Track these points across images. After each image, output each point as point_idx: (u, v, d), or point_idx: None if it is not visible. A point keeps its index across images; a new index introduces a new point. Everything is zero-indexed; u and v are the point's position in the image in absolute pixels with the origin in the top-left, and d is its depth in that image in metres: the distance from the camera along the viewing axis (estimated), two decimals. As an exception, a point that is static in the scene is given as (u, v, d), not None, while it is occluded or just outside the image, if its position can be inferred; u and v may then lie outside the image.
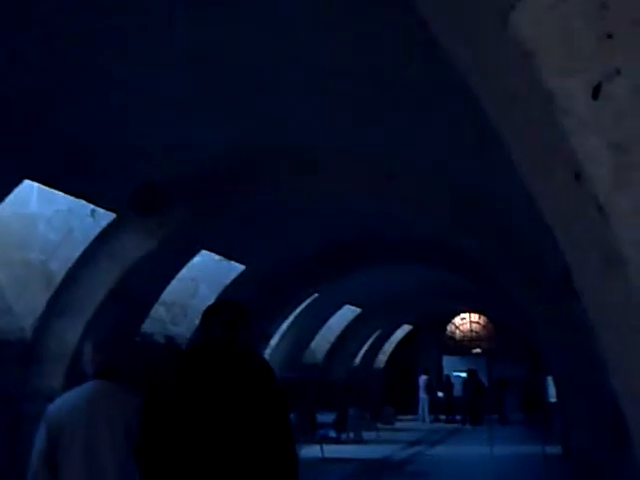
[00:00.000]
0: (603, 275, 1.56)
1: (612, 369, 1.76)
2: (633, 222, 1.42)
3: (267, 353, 21.79)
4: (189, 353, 5.32)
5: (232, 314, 4.91)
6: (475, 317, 40.16)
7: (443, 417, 35.81)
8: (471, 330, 40.60)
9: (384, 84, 8.38)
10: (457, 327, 40.81)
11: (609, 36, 1.46)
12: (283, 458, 4.41)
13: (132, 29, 7.23)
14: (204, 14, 6.91)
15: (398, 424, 32.32)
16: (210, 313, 4.94)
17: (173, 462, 4.37)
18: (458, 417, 35.05)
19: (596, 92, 1.46)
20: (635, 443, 1.75)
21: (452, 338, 40.83)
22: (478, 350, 40.15)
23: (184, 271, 14.99)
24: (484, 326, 40.21)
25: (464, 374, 37.01)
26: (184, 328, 16.97)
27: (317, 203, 13.85)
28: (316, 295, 22.22)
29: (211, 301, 16.97)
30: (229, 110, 9.43)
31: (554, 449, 19.36)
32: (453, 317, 40.28)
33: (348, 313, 27.88)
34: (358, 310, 28.15)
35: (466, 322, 40.55)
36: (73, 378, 12.39)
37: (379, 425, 29.24)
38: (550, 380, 22.43)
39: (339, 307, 26.34)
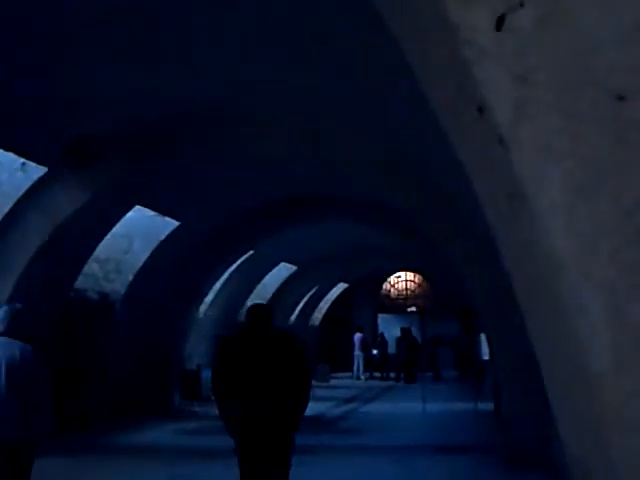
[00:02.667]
0: (509, 212, 1.53)
1: (525, 312, 1.74)
2: (534, 155, 1.39)
3: (201, 311, 21.73)
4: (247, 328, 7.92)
5: (264, 311, 8.00)
6: (410, 276, 40.40)
7: (378, 375, 36.07)
8: (406, 288, 40.87)
9: (320, 44, 8.31)
10: (392, 285, 41.04)
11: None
12: (306, 383, 7.68)
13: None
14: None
15: (333, 381, 32.47)
16: (250, 311, 7.95)
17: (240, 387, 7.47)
18: (392, 375, 35.32)
19: (499, 23, 1.42)
20: (547, 391, 1.74)
21: (387, 296, 41.07)
22: (413, 308, 40.45)
23: (118, 227, 14.83)
24: (419, 284, 40.49)
25: (398, 333, 37.31)
26: (118, 284, 16.84)
27: (253, 159, 13.77)
28: (251, 252, 22.16)
29: (145, 257, 16.86)
30: (164, 63, 9.30)
31: (486, 406, 19.60)
32: (389, 276, 40.48)
33: (284, 271, 27.88)
34: (294, 268, 28.16)
35: (401, 280, 40.80)
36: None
37: (314, 382, 29.38)
38: (483, 338, 22.67)
39: (275, 264, 26.32)
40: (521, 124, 1.40)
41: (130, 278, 17.03)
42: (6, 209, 11.96)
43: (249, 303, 26.71)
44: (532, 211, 1.40)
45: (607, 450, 1.38)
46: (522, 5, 1.41)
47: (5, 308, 7.18)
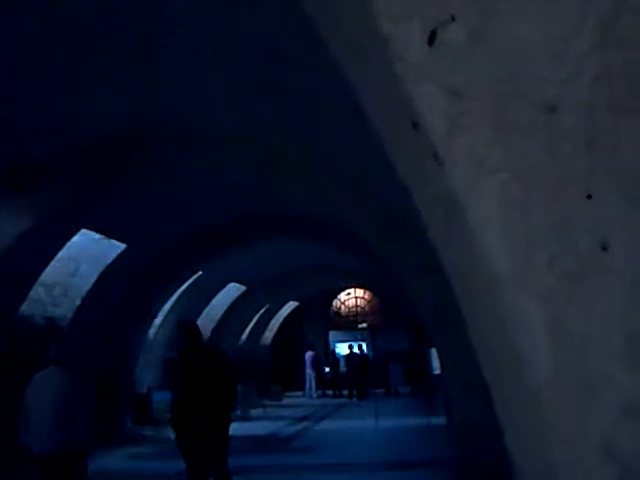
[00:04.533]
0: (447, 226, 1.54)
1: (468, 326, 1.75)
2: (468, 169, 1.39)
3: (151, 333, 21.58)
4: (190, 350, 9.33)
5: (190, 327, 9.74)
6: (360, 292, 40.47)
7: (330, 392, 36.03)
8: (356, 305, 40.93)
9: (272, 63, 8.31)
10: (342, 302, 41.08)
11: (444, -18, 1.43)
12: (232, 395, 9.28)
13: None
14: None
15: (285, 400, 32.39)
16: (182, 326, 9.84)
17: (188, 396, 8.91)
18: (345, 392, 35.30)
19: (431, 38, 1.43)
20: (494, 404, 1.75)
21: (338, 314, 41.09)
22: (364, 325, 40.51)
23: (64, 251, 14.68)
24: (369, 301, 40.57)
25: (350, 350, 37.37)
26: (65, 309, 16.65)
27: (201, 180, 13.72)
28: (200, 273, 22.06)
29: (92, 280, 16.70)
30: (109, 85, 9.23)
31: (438, 419, 19.67)
32: (338, 293, 40.51)
33: (233, 291, 27.78)
34: (243, 288, 28.08)
35: (351, 297, 40.85)
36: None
37: (267, 402, 29.27)
38: (434, 352, 22.76)
39: (224, 285, 26.23)
40: (455, 138, 1.40)
41: (78, 302, 16.85)
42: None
43: (198, 324, 26.64)
44: (468, 225, 1.41)
45: (549, 461, 1.38)
46: (453, 19, 1.42)
47: (56, 339, 8.94)
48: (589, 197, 1.35)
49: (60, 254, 14.60)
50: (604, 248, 1.33)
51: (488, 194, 1.38)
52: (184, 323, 10.37)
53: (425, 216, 1.79)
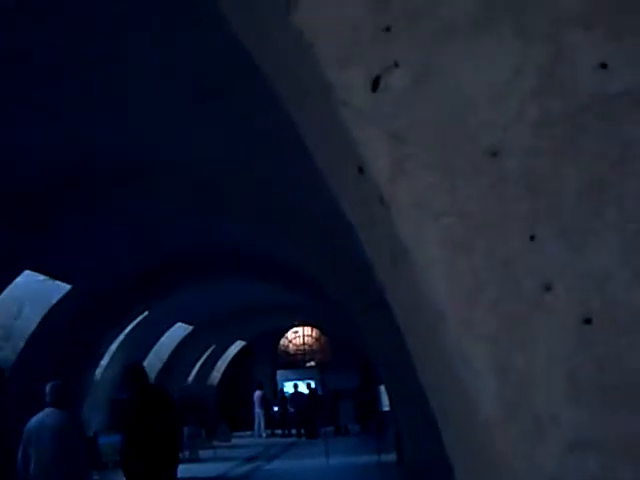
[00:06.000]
0: (393, 269, 1.56)
1: (416, 365, 1.77)
2: (413, 213, 1.42)
3: (97, 373, 21.35)
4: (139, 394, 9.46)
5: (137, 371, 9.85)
6: (308, 330, 40.45)
7: (279, 432, 35.86)
8: (304, 343, 40.88)
9: (210, 98, 8.35)
10: (290, 341, 41.02)
11: (387, 29, 1.47)
12: (178, 439, 9.71)
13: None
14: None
15: (234, 440, 32.20)
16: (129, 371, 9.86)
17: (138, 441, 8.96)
18: (294, 431, 35.16)
19: (375, 84, 1.46)
20: (443, 441, 1.76)
21: (286, 352, 41.00)
22: (312, 363, 40.46)
23: (7, 292, 14.52)
24: (317, 339, 40.56)
25: (298, 389, 37.29)
26: (9, 351, 16.42)
27: (144, 219, 13.68)
28: (146, 313, 21.91)
29: (36, 322, 16.50)
30: (49, 122, 9.19)
31: (389, 457, 19.66)
32: (286, 331, 40.46)
33: (180, 331, 27.63)
34: (190, 327, 27.94)
35: (299, 336, 40.81)
36: None
37: (215, 442, 29.05)
38: (383, 389, 22.77)
39: (170, 325, 26.08)
40: (399, 182, 1.43)
41: (21, 344, 16.63)
42: None
43: (145, 365, 26.42)
44: (414, 267, 1.43)
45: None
46: (397, 65, 1.45)
47: (51, 384, 9.52)
48: (532, 239, 1.38)
49: (3, 295, 14.43)
50: (547, 289, 1.36)
51: (433, 237, 1.41)
52: (129, 368, 10.40)
53: (371, 257, 1.81)
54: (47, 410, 9.37)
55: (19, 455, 9.24)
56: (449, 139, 1.44)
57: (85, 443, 9.57)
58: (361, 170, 1.49)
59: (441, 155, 1.43)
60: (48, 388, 9.52)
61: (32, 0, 6.56)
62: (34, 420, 9.34)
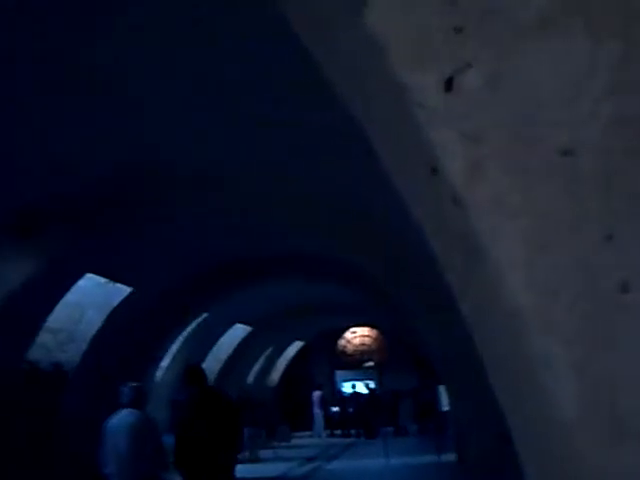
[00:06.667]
0: (467, 269, 1.56)
1: (487, 366, 1.76)
2: (489, 213, 1.42)
3: (158, 375, 21.52)
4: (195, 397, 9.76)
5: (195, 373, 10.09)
6: (365, 330, 40.37)
7: (338, 432, 35.85)
8: (362, 344, 40.82)
9: (268, 101, 8.36)
10: (348, 341, 40.97)
11: (459, 29, 1.47)
12: (236, 442, 9.72)
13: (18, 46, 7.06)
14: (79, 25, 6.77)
15: (294, 441, 32.26)
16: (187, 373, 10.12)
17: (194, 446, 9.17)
18: (353, 431, 35.12)
19: (448, 85, 1.46)
20: (515, 443, 1.76)
21: (344, 352, 40.97)
22: (370, 363, 40.38)
23: (69, 296, 14.69)
24: (375, 339, 40.46)
25: (357, 389, 37.28)
26: (72, 353, 16.62)
27: (204, 220, 13.75)
28: (206, 315, 22.04)
29: (98, 324, 16.69)
30: (110, 125, 9.27)
31: (448, 457, 19.57)
32: (344, 331, 40.42)
33: (239, 332, 27.73)
34: (249, 328, 28.03)
35: (357, 336, 40.75)
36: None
37: (275, 443, 29.14)
38: (442, 389, 22.67)
39: (229, 326, 26.19)
40: (474, 183, 1.43)
41: (84, 347, 16.82)
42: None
43: (204, 367, 26.58)
44: (489, 268, 1.43)
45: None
46: (469, 66, 1.45)
47: (129, 386, 10.08)
48: (609, 238, 1.37)
49: (65, 299, 14.60)
50: (625, 289, 1.36)
51: (509, 236, 1.41)
52: (188, 369, 10.64)
53: (441, 257, 1.81)
54: (124, 410, 9.81)
55: (99, 452, 9.78)
56: (523, 139, 1.43)
57: (157, 442, 9.91)
58: (435, 171, 1.49)
59: (515, 155, 1.43)
60: (126, 390, 10.00)
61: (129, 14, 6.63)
62: (112, 420, 9.80)
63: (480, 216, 1.43)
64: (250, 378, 32.48)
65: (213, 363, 26.36)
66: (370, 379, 39.34)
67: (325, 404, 35.85)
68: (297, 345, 37.86)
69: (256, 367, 32.95)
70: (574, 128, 1.43)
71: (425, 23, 1.47)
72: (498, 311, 1.47)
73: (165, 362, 21.98)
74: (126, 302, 16.83)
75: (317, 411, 35.44)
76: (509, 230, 1.41)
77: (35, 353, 15.00)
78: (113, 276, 15.98)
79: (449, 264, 1.76)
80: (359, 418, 34.81)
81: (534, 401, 1.45)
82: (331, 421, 36.33)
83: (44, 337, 15.24)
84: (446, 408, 22.48)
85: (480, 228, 1.43)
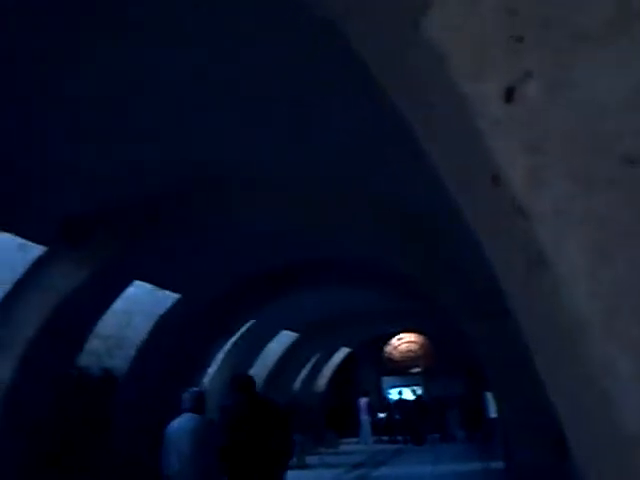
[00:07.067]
0: (528, 278, 1.55)
1: (546, 377, 1.75)
2: (550, 222, 1.42)
3: (205, 382, 21.61)
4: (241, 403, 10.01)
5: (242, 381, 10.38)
6: (412, 337, 40.27)
7: (385, 438, 35.79)
8: (409, 350, 40.71)
9: (323, 105, 8.36)
10: (395, 348, 40.89)
11: (519, 38, 1.46)
12: (289, 449, 10.02)
13: (51, 54, 7.13)
14: (112, 34, 6.82)
15: (341, 447, 32.24)
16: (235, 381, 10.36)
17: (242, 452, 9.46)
18: (400, 438, 35.04)
19: (509, 95, 1.46)
20: (575, 456, 1.74)
21: (390, 359, 40.89)
22: (416, 369, 40.27)
23: (118, 302, 14.82)
24: (421, 345, 40.34)
25: (404, 395, 37.20)
26: (121, 360, 16.76)
27: (252, 227, 13.80)
28: (253, 321, 22.11)
29: (146, 331, 16.81)
30: (158, 133, 9.33)
31: (496, 464, 19.44)
32: (390, 338, 40.36)
33: (286, 338, 27.79)
34: (295, 335, 28.08)
35: (403, 342, 40.66)
36: (8, 416, 12.17)
37: (322, 449, 29.14)
38: (489, 396, 22.55)
39: (276, 332, 26.25)
40: (536, 192, 1.43)
41: (132, 353, 16.95)
42: (7, 289, 11.97)
43: (252, 373, 26.66)
44: (552, 276, 1.42)
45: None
46: (530, 75, 1.45)
47: (190, 391, 10.64)
48: (674, 247, 1.36)
49: (114, 306, 14.73)
50: (692, 299, 1.34)
51: (573, 246, 1.40)
52: (235, 378, 10.96)
53: (499, 266, 1.80)
54: (186, 415, 10.23)
55: (161, 455, 10.23)
56: (585, 147, 1.43)
57: (216, 446, 10.25)
58: (496, 180, 1.48)
59: (578, 164, 1.42)
60: (187, 395, 10.43)
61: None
62: (174, 424, 10.25)
63: (542, 225, 1.42)
64: (297, 384, 32.52)
65: (260, 369, 26.44)
66: (416, 385, 39.25)
67: (372, 410, 35.81)
68: (344, 351, 37.86)
69: (303, 374, 32.98)
70: (637, 136, 1.41)
71: (484, 32, 1.47)
72: (559, 321, 1.46)
73: (213, 369, 22.08)
74: (174, 309, 16.95)
75: (364, 417, 35.40)
76: (571, 239, 1.40)
77: (85, 359, 15.14)
78: (161, 283, 16.09)
79: (507, 272, 1.75)
80: (406, 425, 34.72)
81: (596, 413, 1.44)
82: (378, 427, 36.27)
83: (94, 344, 15.38)
84: (493, 415, 22.35)
85: (542, 237, 1.42)
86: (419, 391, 38.63)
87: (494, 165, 1.47)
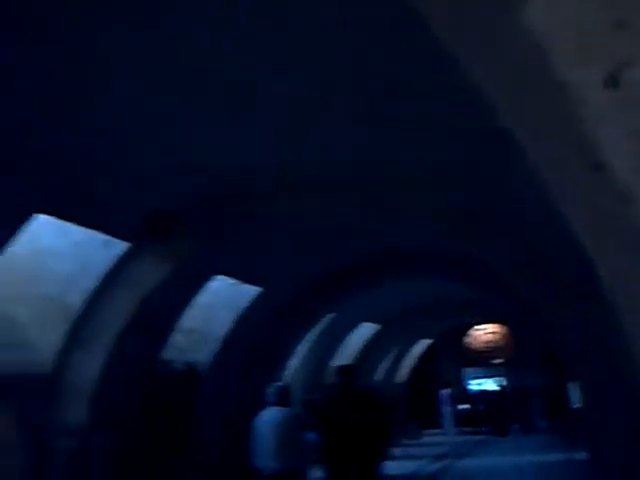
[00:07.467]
0: (630, 266, 1.54)
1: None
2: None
3: (287, 375, 21.73)
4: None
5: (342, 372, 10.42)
6: (493, 327, 39.96)
7: (468, 429, 35.60)
8: (489, 340, 40.42)
9: (403, 98, 8.32)
10: (475, 338, 40.64)
11: (622, 24, 1.44)
12: (382, 439, 9.87)
13: (137, 48, 7.22)
14: (203, 26, 6.87)
15: (423, 438, 32.17)
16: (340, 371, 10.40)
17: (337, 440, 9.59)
18: (483, 429, 34.83)
19: (611, 81, 1.44)
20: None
21: (471, 349, 40.65)
22: (498, 360, 39.96)
23: (200, 297, 14.96)
24: (502, 335, 40.00)
25: (485, 386, 36.96)
26: (204, 354, 16.93)
27: (332, 220, 13.80)
28: (333, 314, 22.15)
29: (229, 325, 16.96)
30: (237, 128, 9.38)
31: (579, 455, 19.22)
32: (471, 328, 40.11)
33: (366, 330, 27.79)
34: (376, 327, 28.06)
35: (484, 332, 40.37)
36: (96, 410, 12.38)
37: (404, 440, 29.09)
38: (572, 386, 22.29)
39: (357, 324, 26.27)
40: (640, 179, 1.41)
41: (215, 347, 17.10)
42: (93, 286, 12.15)
43: (332, 365, 26.72)
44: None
45: None
46: (633, 61, 1.43)
47: (275, 386, 11.08)
48: None
49: (197, 300, 14.87)
50: None
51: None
52: (340, 368, 11.02)
53: (597, 252, 1.79)
54: (272, 408, 10.64)
55: (250, 447, 10.70)
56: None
57: (301, 437, 10.78)
58: (598, 167, 1.47)
59: (682, 151, 1.41)
60: (272, 389, 10.88)
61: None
62: (262, 416, 10.69)
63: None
64: (378, 376, 32.50)
65: (341, 361, 26.50)
66: (498, 376, 38.97)
67: (454, 402, 35.67)
68: (424, 342, 37.74)
69: (384, 365, 32.95)
70: None
71: (587, 19, 1.45)
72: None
73: (294, 362, 22.18)
74: (255, 302, 17.06)
75: (446, 409, 35.28)
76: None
77: (169, 353, 15.32)
78: (243, 277, 16.21)
79: (607, 260, 1.74)
80: (488, 416, 34.50)
81: None
82: (460, 419, 36.10)
83: (177, 338, 15.56)
84: (577, 405, 22.07)
85: (647, 224, 1.41)
86: (501, 382, 38.34)
87: (597, 152, 1.46)
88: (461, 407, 36.78)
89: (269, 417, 10.62)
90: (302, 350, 22.60)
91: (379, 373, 32.36)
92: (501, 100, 1.96)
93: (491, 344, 40.41)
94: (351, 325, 25.58)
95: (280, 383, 11.79)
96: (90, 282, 12.18)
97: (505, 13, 1.55)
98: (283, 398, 10.80)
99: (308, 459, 11.18)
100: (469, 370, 40.49)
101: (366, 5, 6.23)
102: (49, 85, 7.61)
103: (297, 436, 10.66)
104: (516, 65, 1.67)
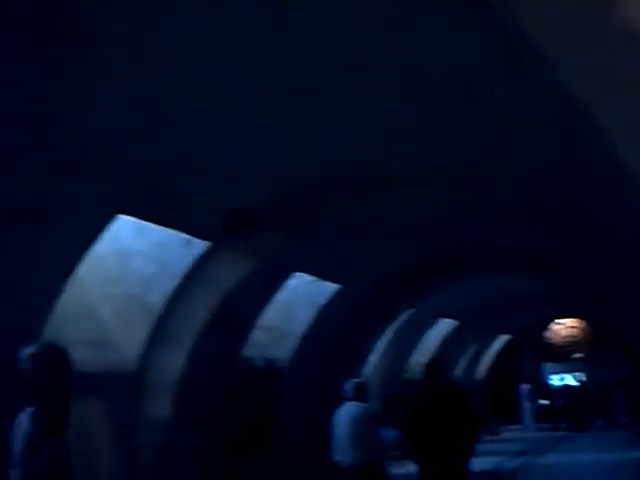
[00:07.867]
0: None
1: None
2: None
3: (366, 371, 21.74)
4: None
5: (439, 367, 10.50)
6: (573, 322, 39.49)
7: (548, 425, 35.21)
8: (569, 335, 39.94)
9: (481, 98, 8.29)
10: (554, 333, 40.19)
11: None
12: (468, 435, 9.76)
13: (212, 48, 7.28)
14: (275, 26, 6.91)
15: (503, 434, 31.91)
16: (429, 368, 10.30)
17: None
18: (563, 425, 34.40)
19: None
20: None
21: (551, 344, 40.21)
22: (578, 355, 39.46)
23: (280, 294, 15.06)
24: (582, 330, 39.49)
25: (566, 381, 36.58)
26: (284, 351, 17.03)
27: (410, 217, 13.81)
28: (412, 310, 22.12)
29: (308, 322, 17.04)
30: (318, 128, 9.41)
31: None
32: (550, 323, 39.68)
33: (445, 326, 27.69)
34: (454, 323, 27.94)
35: (563, 327, 39.91)
36: (179, 407, 12.55)
37: (484, 436, 28.89)
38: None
39: (436, 320, 26.19)
40: None
41: (295, 344, 17.19)
42: (174, 285, 12.31)
43: (411, 362, 26.68)
44: None
45: None
46: None
47: (352, 382, 11.14)
48: None
49: (276, 297, 14.97)
50: None
51: None
52: (429, 364, 11.03)
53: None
54: (350, 404, 10.76)
55: (330, 443, 10.90)
56: None
57: (378, 431, 11.02)
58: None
59: None
60: (349, 385, 10.98)
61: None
62: (340, 412, 10.81)
63: None
64: (458, 372, 32.33)
65: (420, 357, 26.42)
66: (578, 371, 38.50)
67: (534, 397, 35.31)
68: (504, 338, 37.43)
69: (463, 361, 32.77)
70: None
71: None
72: None
73: (373, 358, 22.18)
74: (334, 299, 17.11)
75: (526, 404, 34.95)
76: None
77: (249, 350, 15.45)
78: (321, 274, 16.28)
79: None
80: (569, 411, 34.08)
81: None
82: (540, 414, 35.71)
83: (257, 335, 15.68)
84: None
85: None
86: (580, 377, 37.89)
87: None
88: (541, 403, 36.38)
89: (346, 412, 10.78)
90: (381, 346, 22.59)
91: (458, 369, 32.18)
92: (591, 96, 1.97)
93: (571, 338, 39.94)
94: (430, 321, 25.51)
95: (357, 379, 11.93)
96: (171, 282, 12.35)
97: (601, 5, 1.55)
98: (360, 393, 10.95)
99: (385, 454, 11.34)
100: (549, 365, 40.07)
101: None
102: (145, 89, 7.74)
103: (373, 431, 10.80)
104: (611, 58, 1.67)
